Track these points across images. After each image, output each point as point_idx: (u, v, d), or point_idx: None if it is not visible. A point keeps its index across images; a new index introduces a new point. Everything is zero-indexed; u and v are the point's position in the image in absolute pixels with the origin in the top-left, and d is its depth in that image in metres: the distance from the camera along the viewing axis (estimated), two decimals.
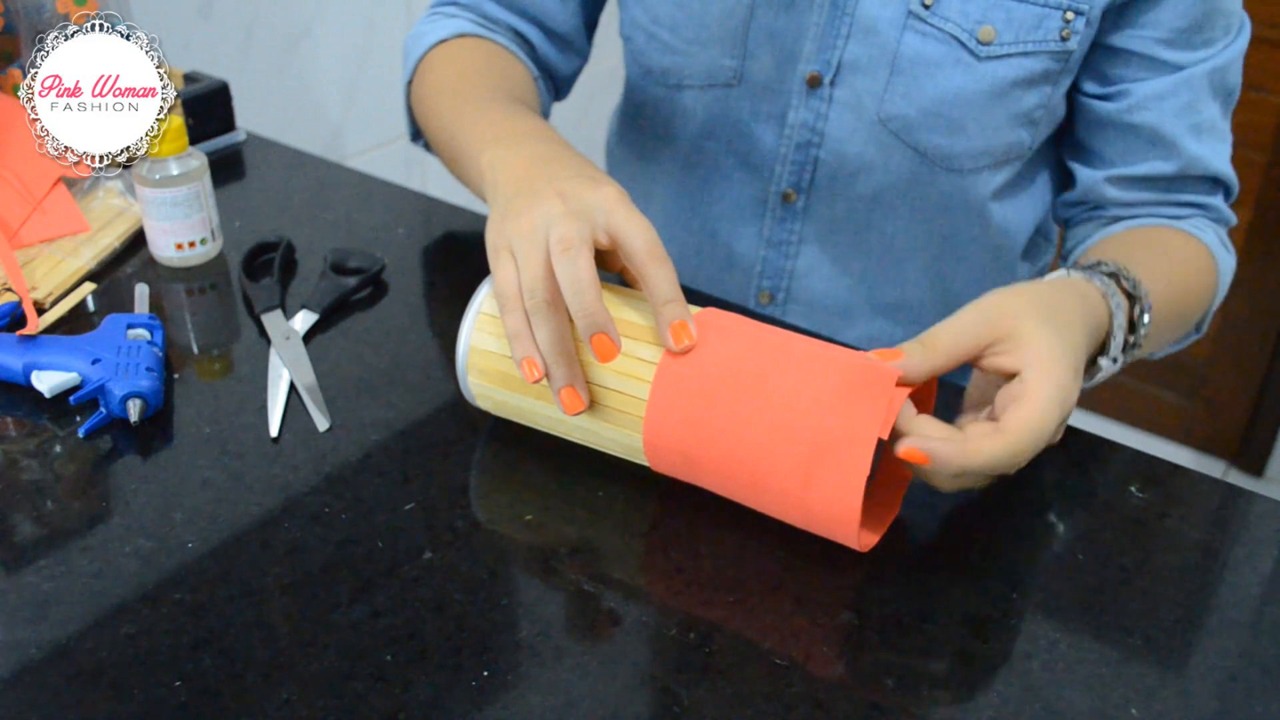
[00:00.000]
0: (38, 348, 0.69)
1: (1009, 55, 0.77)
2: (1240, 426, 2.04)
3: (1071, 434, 0.69)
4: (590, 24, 0.95)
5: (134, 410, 0.65)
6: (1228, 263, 0.83)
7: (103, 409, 0.66)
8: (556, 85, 0.95)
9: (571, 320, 0.57)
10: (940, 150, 0.81)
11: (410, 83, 0.89)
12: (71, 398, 0.66)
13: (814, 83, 0.81)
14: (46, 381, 0.67)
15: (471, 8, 0.91)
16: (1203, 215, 0.83)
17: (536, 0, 0.89)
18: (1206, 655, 0.55)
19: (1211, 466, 2.07)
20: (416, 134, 0.92)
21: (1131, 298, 0.66)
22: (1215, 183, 0.83)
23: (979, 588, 0.58)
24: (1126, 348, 0.66)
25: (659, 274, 0.57)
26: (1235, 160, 0.84)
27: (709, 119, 0.87)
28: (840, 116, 0.82)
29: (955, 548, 0.60)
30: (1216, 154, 0.81)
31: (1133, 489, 0.65)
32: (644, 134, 0.94)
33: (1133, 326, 0.66)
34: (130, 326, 0.71)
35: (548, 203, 0.59)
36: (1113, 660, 0.54)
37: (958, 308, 0.60)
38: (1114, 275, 0.67)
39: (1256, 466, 2.04)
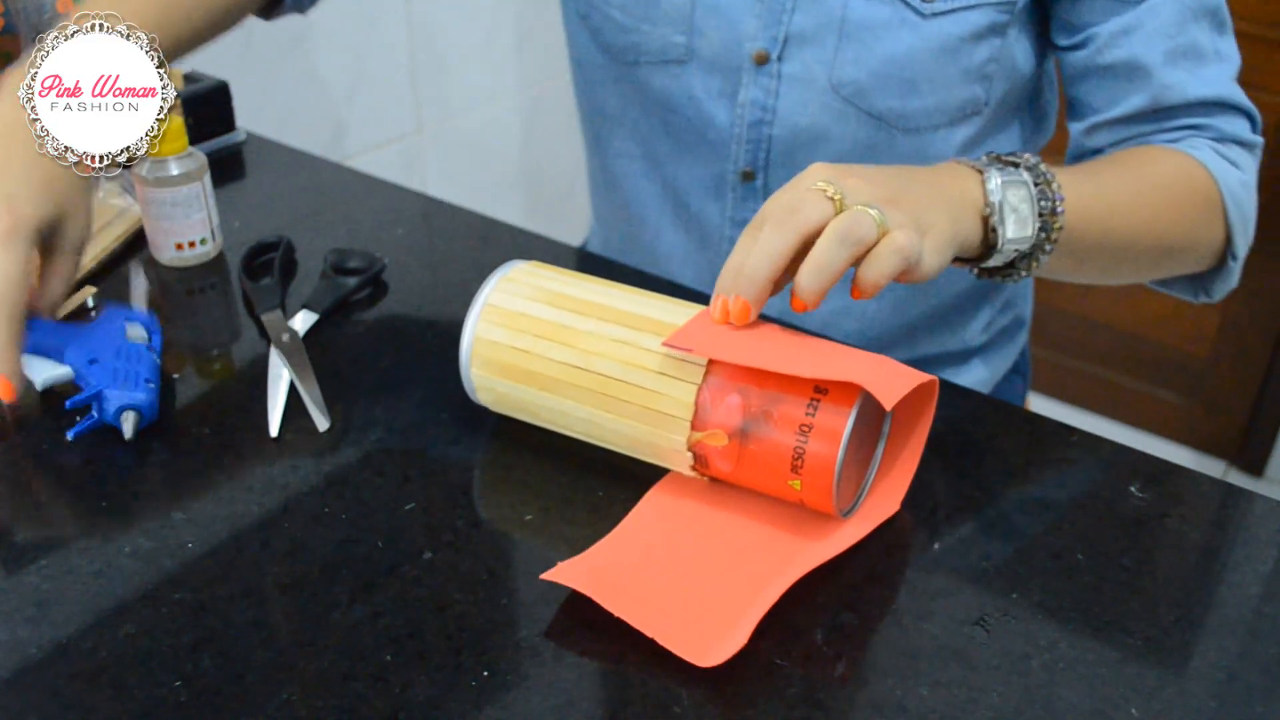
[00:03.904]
0: (34, 330, 0.67)
1: (953, 10, 0.77)
2: (1240, 426, 2.04)
3: (1071, 434, 0.69)
4: None
5: (128, 425, 0.64)
6: (1231, 174, 0.78)
7: (94, 414, 0.65)
8: None
9: None
10: (895, 112, 0.81)
11: None
12: (68, 402, 0.65)
13: (761, 60, 0.81)
14: (39, 371, 0.67)
15: None
16: (1197, 135, 0.80)
17: None
18: (1206, 655, 0.55)
19: (1211, 466, 2.07)
20: None
21: (1015, 164, 0.67)
22: (1209, 106, 0.79)
23: (979, 588, 0.58)
24: (1042, 194, 0.67)
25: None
26: None
27: (666, 95, 0.88)
28: (791, 91, 0.82)
29: (955, 548, 0.60)
30: (1199, 78, 0.78)
31: (1133, 489, 0.65)
32: (611, 109, 0.94)
33: (1047, 213, 0.67)
34: (129, 321, 0.70)
35: None
36: (1113, 660, 0.54)
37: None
38: (993, 156, 0.68)
39: (1256, 466, 2.04)
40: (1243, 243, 0.80)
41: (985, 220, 0.65)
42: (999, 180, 0.65)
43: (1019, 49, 0.82)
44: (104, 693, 0.50)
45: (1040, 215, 0.66)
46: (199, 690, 0.50)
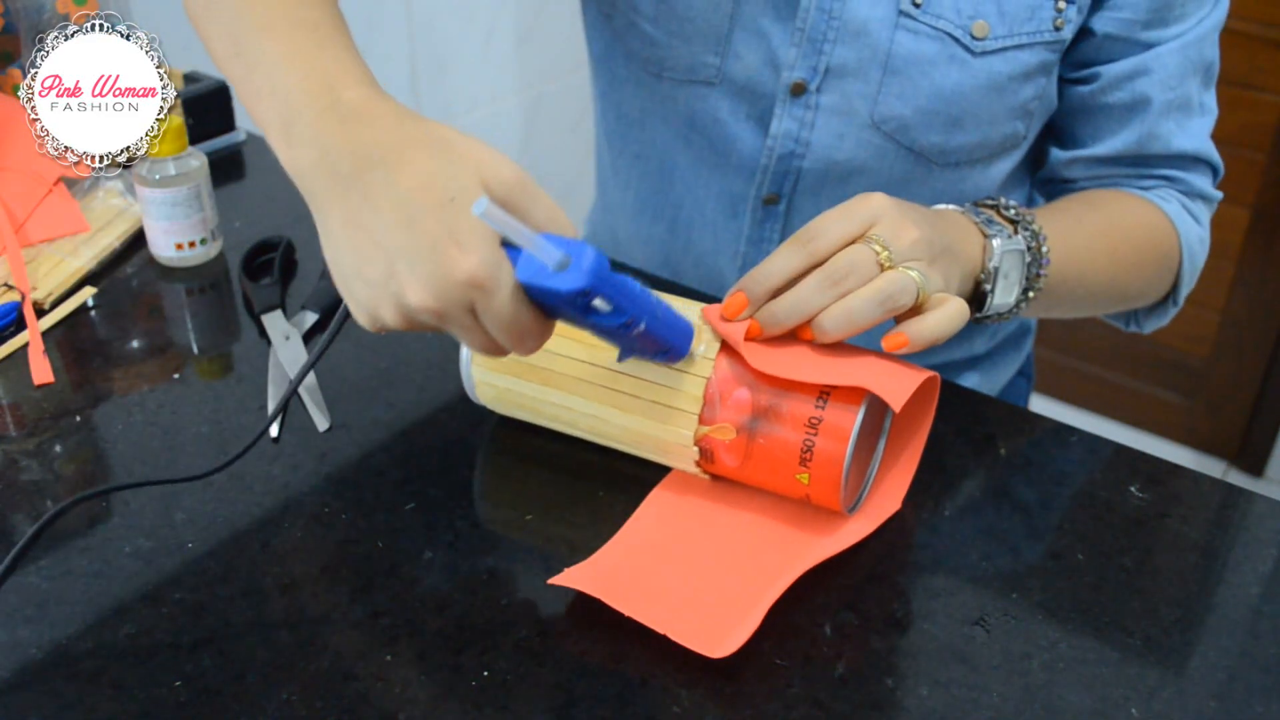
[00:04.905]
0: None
1: (1004, 49, 0.77)
2: (1240, 426, 2.04)
3: (1072, 434, 0.69)
4: None
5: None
6: (1193, 231, 0.82)
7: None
8: None
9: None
10: (936, 148, 0.81)
11: None
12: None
13: (798, 90, 0.80)
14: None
15: None
16: (1169, 187, 0.83)
17: None
18: (1206, 655, 0.55)
19: (1211, 466, 2.07)
20: None
21: (1015, 223, 0.69)
22: (1186, 159, 0.83)
23: (979, 588, 0.58)
24: (1032, 258, 0.69)
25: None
26: (1236, 160, 0.84)
27: (689, 113, 0.86)
28: (827, 123, 0.81)
29: (955, 548, 0.60)
30: (1186, 130, 0.81)
31: (1133, 489, 0.65)
32: (629, 111, 0.92)
33: (1034, 258, 0.69)
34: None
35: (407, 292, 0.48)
36: (1113, 660, 0.54)
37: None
38: (994, 207, 0.70)
39: (1256, 466, 2.04)
40: (1186, 290, 0.85)
41: (977, 284, 0.67)
42: (1000, 247, 0.66)
43: (1056, 84, 0.82)
44: (104, 693, 0.50)
45: (1025, 278, 0.69)
46: (199, 690, 0.50)
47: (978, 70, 0.77)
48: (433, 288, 0.47)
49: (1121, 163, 0.82)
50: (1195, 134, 0.82)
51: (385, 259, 0.48)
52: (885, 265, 0.58)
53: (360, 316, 0.51)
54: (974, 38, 0.76)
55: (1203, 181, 0.84)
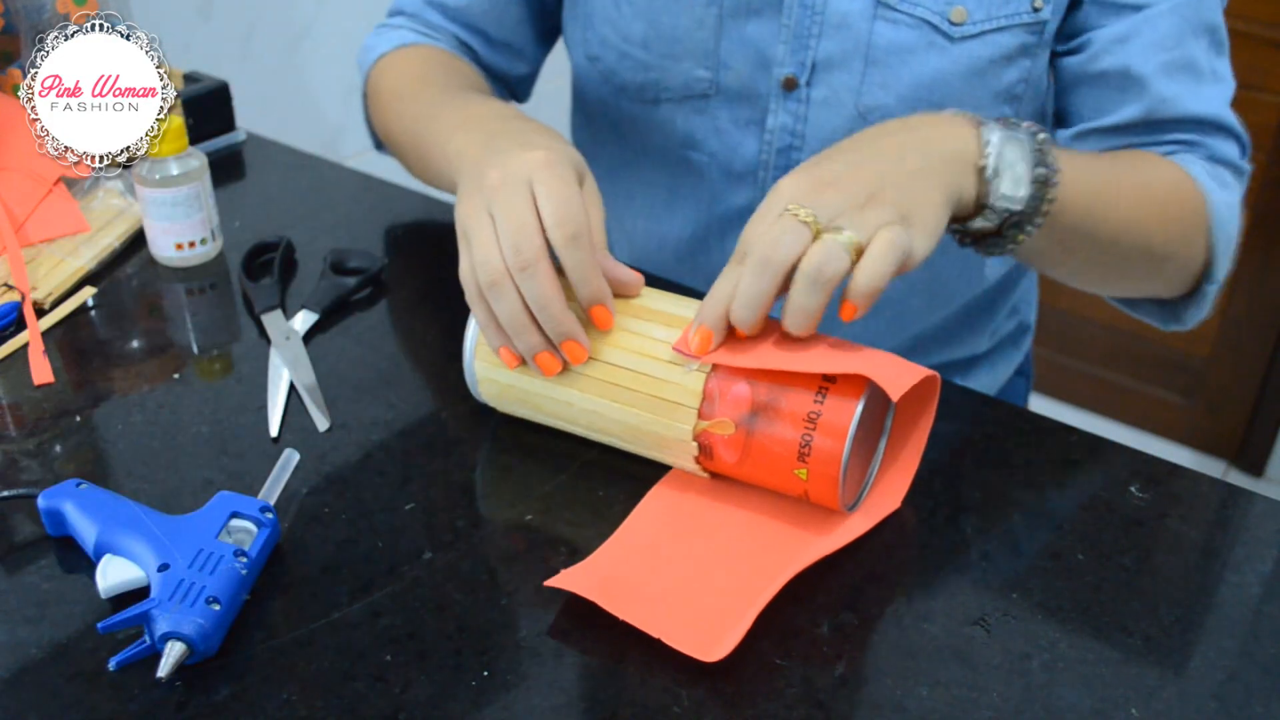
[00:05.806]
0: (117, 520, 0.56)
1: (983, 33, 0.77)
2: (1240, 426, 2.04)
3: (1071, 434, 0.69)
4: (543, 30, 0.95)
5: (169, 658, 0.50)
6: (1220, 195, 0.77)
7: (145, 639, 0.51)
8: (512, 88, 0.98)
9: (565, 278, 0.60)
10: None
11: (366, 95, 0.92)
12: (100, 625, 0.51)
13: (790, 85, 0.80)
14: (112, 576, 0.54)
15: (415, 17, 0.93)
16: (1189, 151, 0.79)
17: (473, 9, 0.91)
18: (1206, 655, 0.55)
19: (1211, 466, 2.07)
20: (379, 144, 0.95)
21: (1015, 125, 0.65)
22: (1204, 124, 0.79)
23: (979, 588, 0.58)
24: (1039, 159, 0.64)
25: (569, 258, 0.59)
26: None
27: (688, 130, 0.86)
28: (819, 116, 0.81)
29: (955, 548, 0.60)
30: (1196, 95, 0.78)
31: (1133, 489, 0.65)
32: (624, 148, 0.93)
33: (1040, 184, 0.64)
34: (236, 515, 0.57)
35: (488, 178, 0.61)
36: (1113, 660, 0.54)
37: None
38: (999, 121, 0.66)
39: (1256, 466, 2.04)
40: (1223, 265, 0.79)
41: (979, 173, 0.63)
42: (998, 135, 0.63)
43: (1044, 67, 0.81)
44: (104, 693, 0.50)
45: (1035, 181, 0.64)
46: (200, 690, 0.50)
47: (957, 56, 0.77)
48: (504, 166, 0.61)
49: (1134, 131, 0.79)
50: (1210, 99, 0.79)
51: (492, 159, 0.63)
52: (815, 228, 0.56)
53: (460, 223, 0.63)
54: (952, 23, 0.76)
55: (1227, 148, 0.80)
